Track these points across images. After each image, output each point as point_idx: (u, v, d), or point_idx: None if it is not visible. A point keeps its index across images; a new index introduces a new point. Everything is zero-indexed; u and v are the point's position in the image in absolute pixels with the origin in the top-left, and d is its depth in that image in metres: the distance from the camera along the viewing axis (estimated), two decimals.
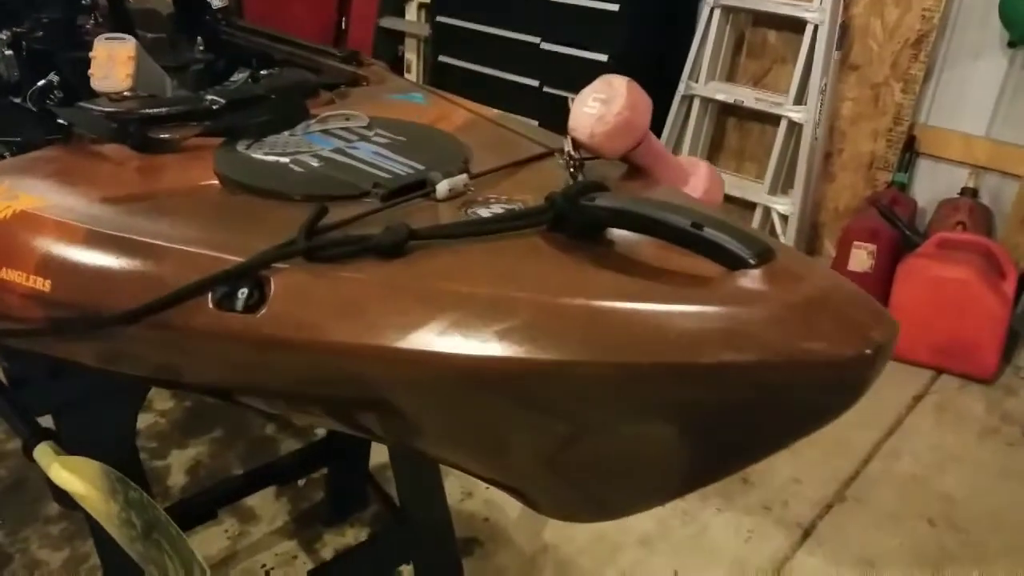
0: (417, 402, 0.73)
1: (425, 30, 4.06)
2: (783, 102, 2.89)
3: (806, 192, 2.90)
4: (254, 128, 1.04)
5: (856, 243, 2.65)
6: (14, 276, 0.83)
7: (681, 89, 3.11)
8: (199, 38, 1.66)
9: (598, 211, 0.72)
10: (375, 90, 1.33)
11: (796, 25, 2.88)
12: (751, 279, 0.63)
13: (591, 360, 0.62)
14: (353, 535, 1.93)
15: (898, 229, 2.60)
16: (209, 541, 1.86)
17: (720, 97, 3.05)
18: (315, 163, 0.96)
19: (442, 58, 3.75)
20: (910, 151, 2.87)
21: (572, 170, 0.86)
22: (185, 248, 0.78)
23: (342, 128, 1.08)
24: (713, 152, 3.26)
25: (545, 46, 3.30)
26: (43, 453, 1.16)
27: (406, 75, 4.26)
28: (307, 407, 0.87)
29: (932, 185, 2.89)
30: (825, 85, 2.81)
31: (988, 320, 2.31)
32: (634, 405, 0.64)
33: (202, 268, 0.76)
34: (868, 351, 0.59)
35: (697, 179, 0.95)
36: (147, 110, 1.07)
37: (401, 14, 4.25)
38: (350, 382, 0.74)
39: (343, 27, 4.31)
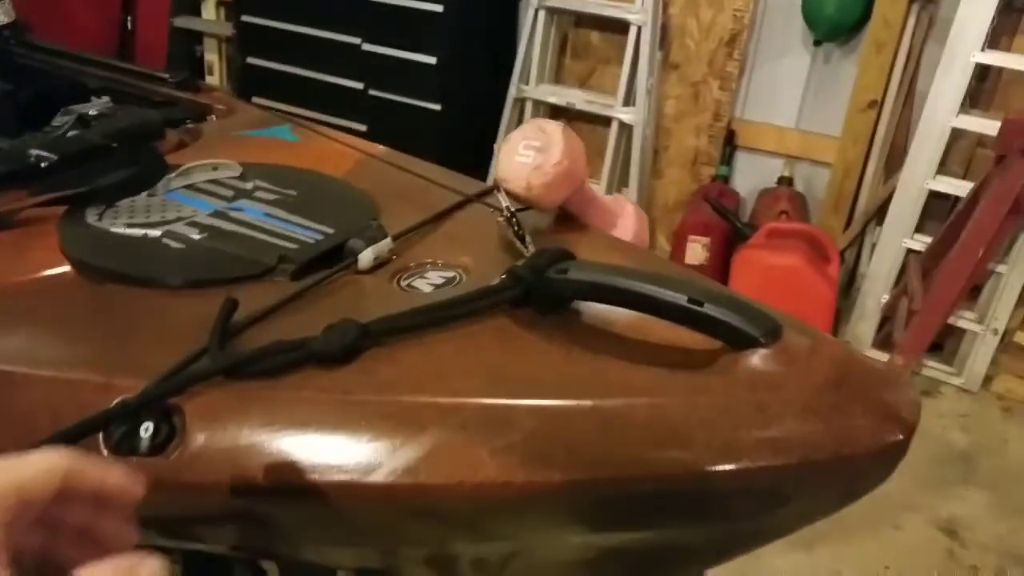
0: (397, 537, 0.62)
1: (227, 29, 3.74)
2: (613, 103, 2.94)
3: (640, 191, 2.98)
4: (105, 191, 0.86)
5: (691, 237, 2.76)
6: None
7: (512, 92, 3.08)
8: None
9: (574, 285, 0.64)
10: (230, 124, 1.16)
11: (618, 26, 2.93)
12: (765, 360, 0.57)
13: (612, 476, 0.54)
14: None
15: (729, 222, 2.73)
16: None
17: (552, 99, 3.06)
18: (195, 235, 0.79)
19: (251, 60, 3.47)
20: (730, 145, 3.03)
21: (515, 228, 0.77)
22: (53, 374, 0.61)
23: (210, 182, 0.92)
24: None
25: (367, 47, 3.14)
26: None
27: (208, 78, 3.92)
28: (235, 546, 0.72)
29: (751, 176, 3.07)
30: (651, 85, 2.89)
31: (819, 302, 2.48)
32: (662, 515, 0.57)
33: (82, 399, 0.59)
34: (902, 436, 0.56)
35: (625, 220, 0.90)
36: None
37: (197, 12, 3.89)
38: (304, 526, 0.61)
39: (129, 27, 3.89)
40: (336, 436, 0.57)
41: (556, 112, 3.18)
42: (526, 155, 0.79)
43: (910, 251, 2.58)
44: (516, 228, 0.77)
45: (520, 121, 3.12)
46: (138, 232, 0.79)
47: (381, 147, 1.10)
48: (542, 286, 0.64)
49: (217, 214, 0.83)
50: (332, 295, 0.73)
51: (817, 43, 2.76)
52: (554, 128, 0.80)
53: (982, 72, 2.45)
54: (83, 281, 0.73)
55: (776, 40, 2.91)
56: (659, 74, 2.99)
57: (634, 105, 2.90)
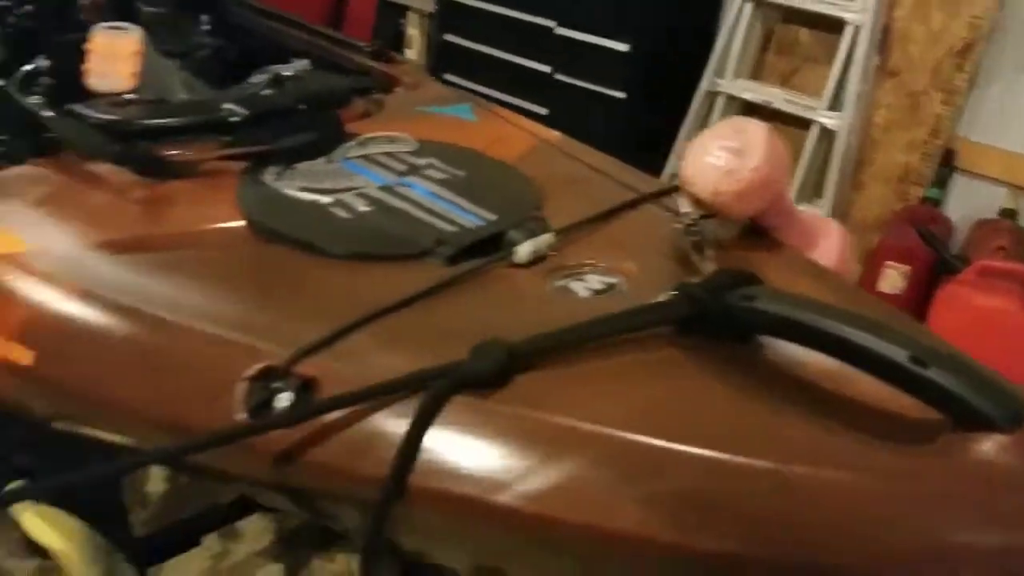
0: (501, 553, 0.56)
1: (430, 5, 3.81)
2: (816, 106, 2.71)
3: (835, 204, 2.74)
4: (286, 152, 0.85)
5: (888, 263, 2.49)
6: None
7: (705, 85, 2.92)
8: (204, 17, 1.45)
9: (762, 317, 0.54)
10: (414, 99, 1.13)
11: (832, 25, 2.69)
12: (1001, 450, 0.44)
13: (782, 556, 0.44)
14: (344, 562, 1.76)
15: (936, 251, 2.44)
16: (187, 561, 1.67)
17: (747, 96, 2.87)
18: (362, 207, 0.76)
19: (448, 37, 3.52)
20: (946, 166, 2.71)
21: (693, 238, 0.67)
22: (210, 330, 0.60)
23: (385, 154, 0.89)
24: None
25: (560, 31, 3.09)
26: (15, 496, 0.99)
27: (406, 52, 4.03)
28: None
29: (967, 203, 2.73)
30: (863, 91, 2.64)
31: None
32: None
33: (231, 359, 0.58)
34: None
35: (828, 243, 0.77)
36: (152, 121, 0.87)
37: None
38: (416, 527, 0.56)
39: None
40: (466, 444, 0.52)
41: (750, 110, 2.98)
42: (719, 156, 0.68)
43: None
44: (695, 238, 0.67)
45: (709, 117, 2.95)
46: (310, 197, 0.78)
47: (557, 134, 1.03)
48: (721, 312, 0.55)
49: (385, 188, 0.80)
50: (483, 287, 0.67)
51: None
52: (756, 129, 0.69)
53: None
54: (253, 238, 0.73)
55: (1016, 54, 2.56)
56: (873, 80, 2.72)
57: (841, 110, 2.66)
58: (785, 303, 0.54)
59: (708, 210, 0.70)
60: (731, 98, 2.92)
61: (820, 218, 0.80)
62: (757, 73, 2.99)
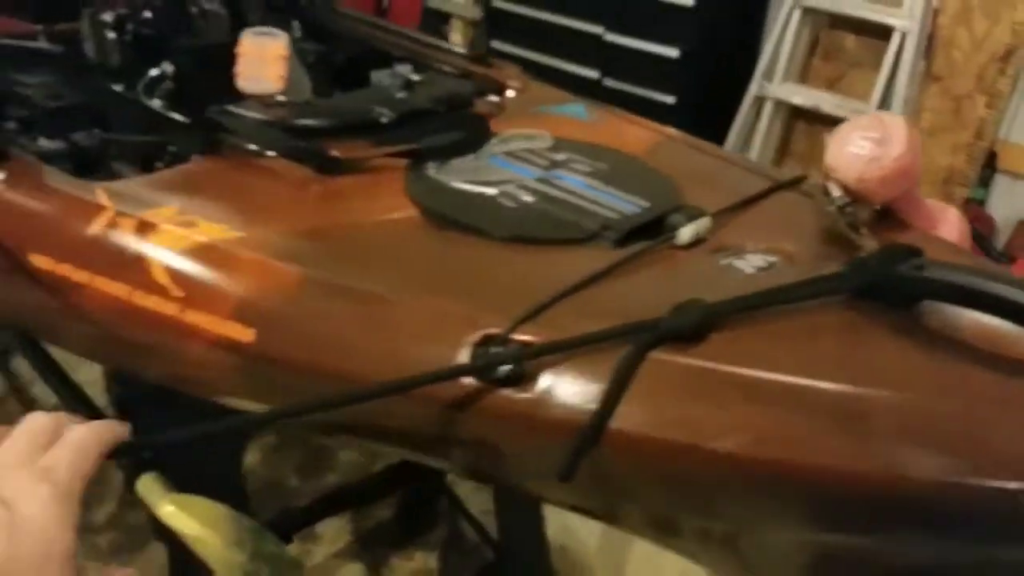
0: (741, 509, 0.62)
1: (476, 12, 3.90)
2: (864, 110, 2.78)
3: None
4: (439, 149, 0.93)
5: None
6: (201, 320, 0.71)
7: (753, 89, 3.00)
8: (295, 23, 1.53)
9: (933, 285, 0.62)
10: (527, 100, 1.21)
11: (879, 31, 2.77)
12: None
13: (985, 484, 0.51)
14: (422, 559, 1.83)
15: (983, 248, 2.51)
16: None
17: (796, 100, 2.94)
18: (526, 196, 0.84)
19: (494, 43, 3.60)
20: (989, 167, 2.78)
21: (849, 219, 0.75)
22: (429, 303, 0.67)
23: (526, 150, 0.97)
24: (781, 157, 3.15)
25: (609, 37, 3.17)
26: (149, 487, 1.05)
27: None
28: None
29: (1011, 204, 2.80)
30: (909, 96, 2.70)
31: None
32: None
33: (454, 328, 0.65)
34: None
35: (947, 228, 0.85)
36: (319, 121, 0.95)
37: None
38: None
39: (384, 5, 4.15)
40: (667, 393, 0.58)
41: (798, 114, 3.06)
42: (862, 146, 0.76)
43: None
44: (850, 219, 0.74)
45: (757, 121, 3.03)
46: (476, 189, 0.85)
47: (673, 130, 1.11)
48: (894, 280, 0.62)
49: (542, 180, 0.88)
50: (653, 266, 0.75)
51: None
52: (895, 121, 0.77)
53: None
54: (429, 225, 0.80)
55: None
56: (918, 85, 2.79)
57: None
58: (952, 271, 0.61)
59: (852, 195, 0.78)
60: (779, 102, 2.99)
61: (940, 204, 0.87)
62: (804, 78, 3.07)
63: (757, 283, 0.68)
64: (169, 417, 1.13)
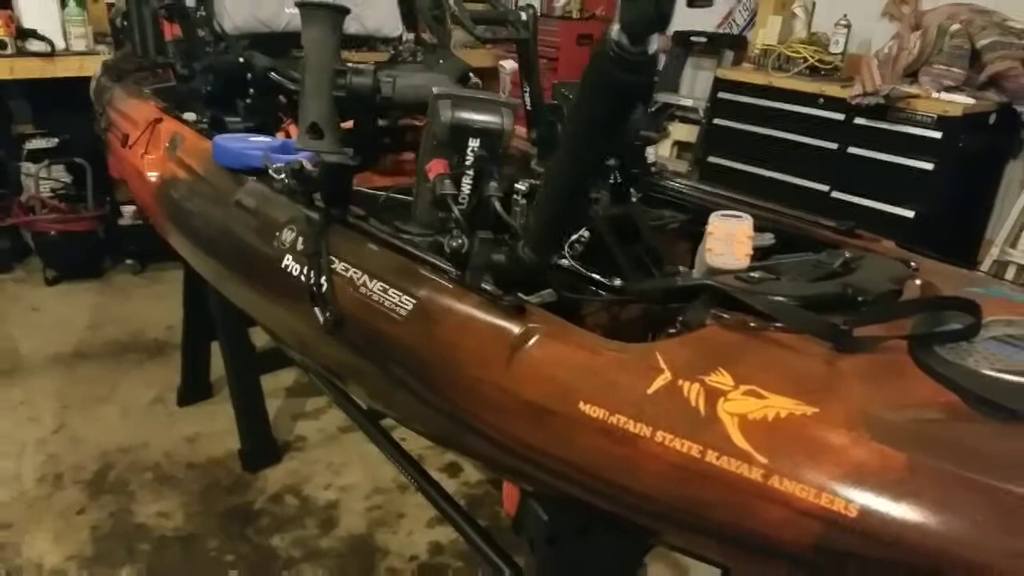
0: None
1: (680, 166, 4.10)
2: None
3: None
4: (950, 334, 0.93)
5: None
6: (793, 488, 0.76)
7: (994, 253, 2.97)
8: (631, 191, 1.65)
9: None
10: (948, 278, 1.19)
11: None
12: None
13: None
14: None
15: None
16: None
17: None
18: None
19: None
20: None
21: None
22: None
23: (1010, 336, 0.98)
24: None
25: (836, 195, 3.25)
26: None
27: None
28: None
29: None
30: None
31: None
32: None
33: None
34: None
35: None
36: (809, 295, 1.01)
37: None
38: None
39: None
40: None
41: None
42: None
43: None
44: None
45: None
46: (1012, 377, 0.85)
47: None
48: None
49: None
50: None
51: None
52: None
53: None
54: (973, 412, 0.81)
55: None
56: None
57: None
58: None
59: None
60: (1021, 267, 2.95)
61: None
62: None
63: None
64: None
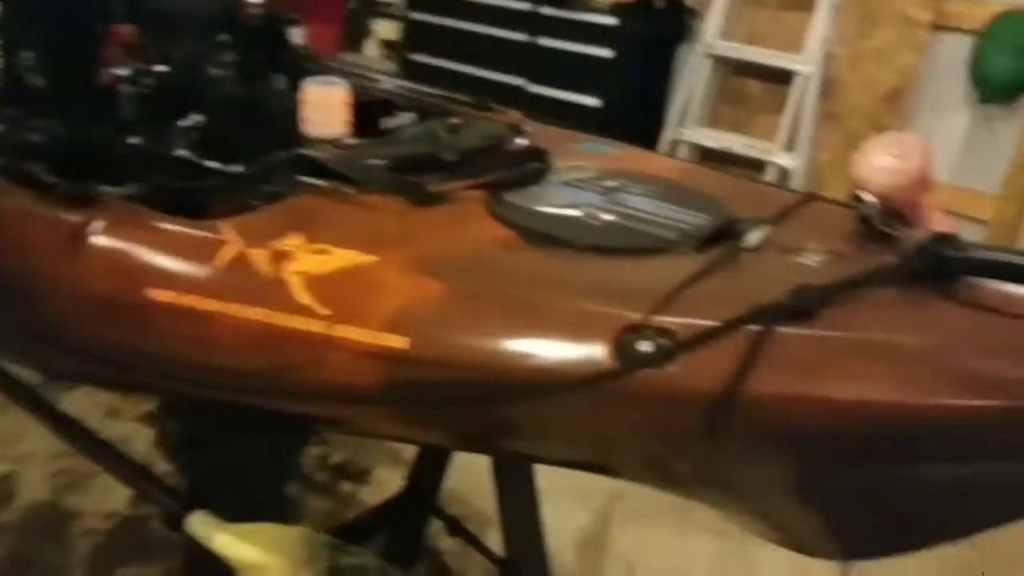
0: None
1: (387, 67, 4.00)
2: (772, 149, 3.05)
3: None
4: (511, 181, 1.01)
5: None
6: (352, 334, 0.77)
7: (669, 134, 3.22)
8: (282, 78, 1.59)
9: (977, 263, 0.76)
10: (548, 139, 1.31)
11: (780, 76, 3.06)
12: None
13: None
14: None
15: None
16: None
17: (709, 143, 3.19)
18: (607, 216, 0.94)
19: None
20: None
21: (884, 222, 0.89)
22: (575, 301, 0.76)
23: (582, 180, 1.06)
24: None
25: (532, 88, 3.34)
26: (201, 523, 1.06)
27: None
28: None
29: None
30: (810, 135, 3.00)
31: None
32: None
33: (593, 320, 0.73)
34: None
35: (942, 227, 1.01)
36: (410, 155, 1.02)
37: (358, 50, 4.18)
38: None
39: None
40: (790, 358, 0.70)
41: (708, 155, 3.31)
42: (887, 161, 0.91)
43: None
44: (884, 221, 0.88)
45: None
46: (562, 211, 0.94)
47: (688, 162, 1.24)
48: (947, 260, 0.76)
49: (614, 202, 0.97)
50: (736, 266, 0.86)
51: (982, 102, 2.83)
52: (913, 139, 0.92)
53: None
54: (527, 244, 0.88)
55: (939, 97, 2.98)
56: (818, 124, 3.09)
57: (794, 151, 3.00)
58: (989, 251, 0.77)
59: (881, 202, 0.92)
60: (693, 145, 3.23)
61: (937, 213, 1.04)
62: (713, 122, 3.33)
63: (825, 274, 0.81)
64: (219, 451, 1.14)
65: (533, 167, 1.03)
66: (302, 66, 1.66)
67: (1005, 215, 2.79)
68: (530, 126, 1.39)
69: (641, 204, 0.98)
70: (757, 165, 3.11)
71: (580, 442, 0.82)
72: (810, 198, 1.03)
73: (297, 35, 1.72)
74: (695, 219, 0.94)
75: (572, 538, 2.00)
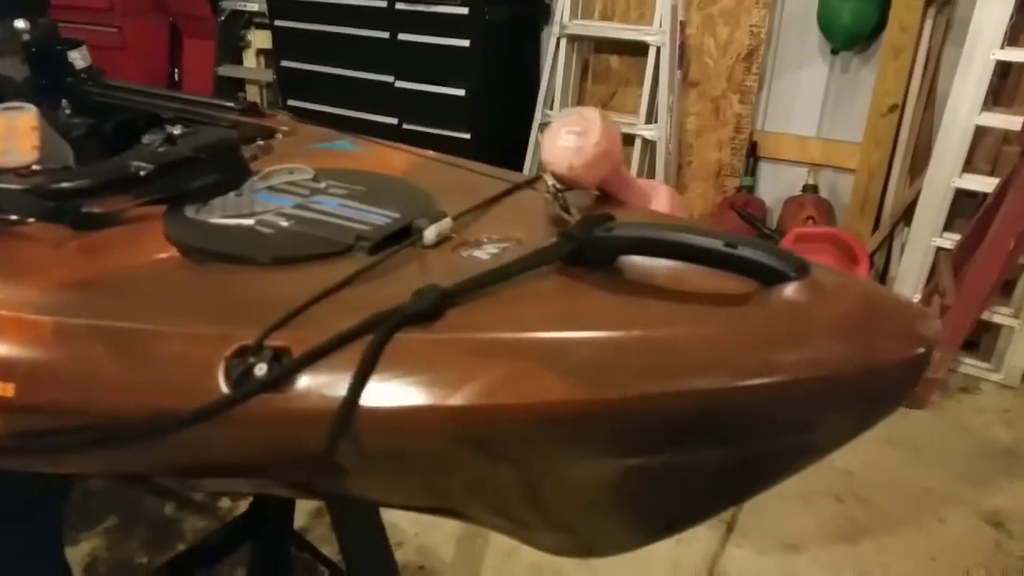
0: (475, 458, 0.70)
1: (267, 75, 3.93)
2: (635, 122, 3.04)
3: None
4: (198, 192, 0.97)
5: None
6: None
7: (538, 117, 3.20)
8: (64, 101, 1.53)
9: (621, 241, 0.73)
10: (296, 140, 1.27)
11: (637, 48, 3.05)
12: (796, 291, 0.65)
13: (660, 394, 0.62)
14: None
15: (756, 228, 2.80)
16: None
17: None
18: (283, 222, 0.90)
19: (292, 102, 3.65)
20: (752, 156, 3.11)
21: (561, 203, 0.86)
22: (183, 329, 0.71)
23: (288, 183, 1.03)
24: None
25: (399, 84, 3.29)
26: None
27: None
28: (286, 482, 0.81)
29: (776, 186, 3.14)
30: (672, 103, 2.99)
31: None
32: (703, 433, 0.65)
33: (203, 346, 0.69)
34: (923, 350, 0.63)
35: (659, 200, 0.98)
36: (75, 183, 0.96)
37: (239, 61, 4.09)
38: (374, 459, 0.69)
39: (176, 79, 4.10)
40: (414, 365, 0.65)
41: None
42: (568, 139, 0.88)
43: (940, 249, 2.62)
44: (562, 202, 0.86)
45: None
46: (233, 222, 0.90)
47: (432, 152, 1.20)
48: (592, 243, 0.73)
49: (299, 206, 0.94)
50: (404, 266, 0.82)
51: (835, 52, 2.85)
52: (593, 113, 0.89)
53: (1003, 70, 2.47)
54: (188, 262, 0.84)
55: (793, 52, 3.00)
56: (679, 92, 3.09)
57: (656, 122, 3.00)
58: (634, 227, 0.74)
59: (568, 184, 0.90)
60: None
61: (653, 183, 1.01)
62: (581, 101, 3.31)
63: (493, 264, 0.78)
64: None
65: (213, 178, 0.98)
66: (84, 89, 1.60)
67: (871, 162, 2.82)
68: (291, 128, 1.35)
69: (332, 206, 0.94)
70: (627, 139, 3.10)
71: (238, 476, 0.78)
72: (527, 185, 1.00)
73: (79, 58, 1.66)
74: (379, 219, 0.90)
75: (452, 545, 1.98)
